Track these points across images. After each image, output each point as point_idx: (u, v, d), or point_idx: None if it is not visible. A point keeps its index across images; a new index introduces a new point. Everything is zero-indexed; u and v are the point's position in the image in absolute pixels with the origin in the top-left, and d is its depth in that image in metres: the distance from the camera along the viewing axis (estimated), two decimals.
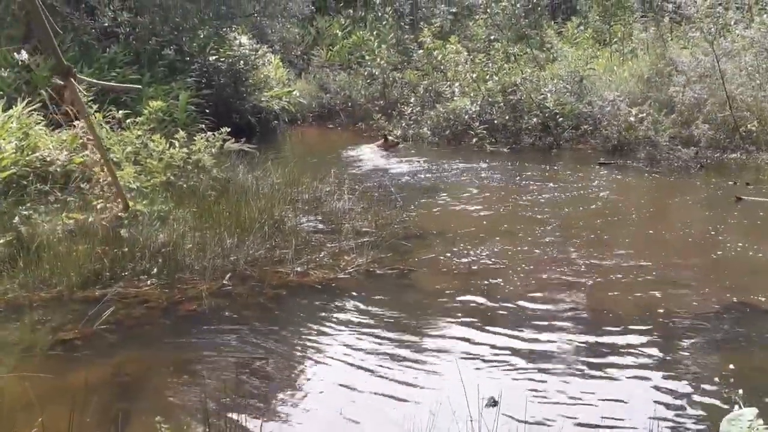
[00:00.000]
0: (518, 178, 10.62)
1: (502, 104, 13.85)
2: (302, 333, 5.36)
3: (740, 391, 3.95)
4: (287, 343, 5.18)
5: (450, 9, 21.52)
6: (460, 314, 5.60)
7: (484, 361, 4.84)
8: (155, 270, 6.21)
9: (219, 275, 6.21)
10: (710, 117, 11.95)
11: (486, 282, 6.24)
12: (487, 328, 5.33)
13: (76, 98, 6.93)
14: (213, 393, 4.44)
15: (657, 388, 4.46)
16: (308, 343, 5.20)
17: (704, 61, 12.47)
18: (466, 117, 13.95)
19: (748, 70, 12.41)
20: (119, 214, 7.16)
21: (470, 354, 4.93)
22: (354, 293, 6.04)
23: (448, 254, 6.95)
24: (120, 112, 9.56)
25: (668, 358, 4.83)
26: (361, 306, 5.81)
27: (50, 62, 10.26)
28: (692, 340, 5.10)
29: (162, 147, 8.72)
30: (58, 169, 8.07)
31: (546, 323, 5.41)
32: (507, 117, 13.64)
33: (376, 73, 17.88)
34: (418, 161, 12.25)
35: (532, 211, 8.64)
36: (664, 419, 4.05)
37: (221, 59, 14.72)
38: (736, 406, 3.90)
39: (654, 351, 4.93)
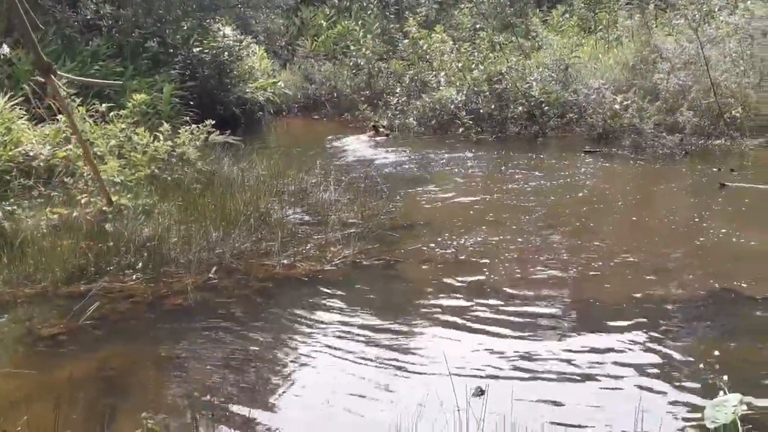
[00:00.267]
0: (504, 167, 10.63)
1: (487, 93, 13.83)
2: (289, 326, 5.36)
3: (725, 378, 3.97)
4: (274, 337, 5.18)
5: None
6: (446, 305, 5.61)
7: (471, 351, 4.85)
8: (140, 264, 6.19)
9: (205, 269, 6.20)
10: (695, 104, 11.98)
11: (472, 272, 6.25)
12: (474, 318, 5.35)
13: (57, 95, 6.88)
14: (199, 387, 4.43)
15: (642, 375, 4.49)
16: (295, 336, 5.19)
17: (688, 48, 12.49)
18: (452, 106, 13.93)
19: (732, 57, 12.44)
20: (104, 208, 7.12)
21: (457, 344, 4.95)
22: (340, 285, 6.03)
23: (435, 244, 6.95)
24: (103, 105, 9.50)
25: (653, 345, 4.85)
26: (348, 298, 5.81)
27: (31, 57, 10.17)
28: (677, 328, 5.14)
29: (146, 140, 8.68)
30: (42, 164, 8.03)
31: (532, 312, 5.43)
32: (493, 106, 13.63)
33: (362, 63, 17.82)
34: (404, 151, 12.23)
35: (518, 199, 8.65)
36: (650, 406, 4.08)
37: (205, 51, 14.63)
38: (721, 392, 3.93)
39: (639, 338, 4.95)
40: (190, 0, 14.38)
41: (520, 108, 13.36)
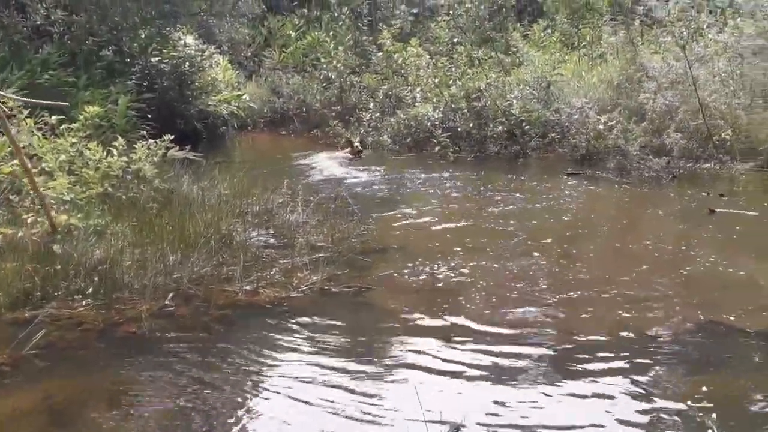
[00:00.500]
0: (483, 188, 10.74)
1: (465, 111, 13.99)
2: (250, 357, 5.33)
3: (714, 416, 4.01)
4: (234, 369, 5.14)
5: (411, 10, 21.72)
6: (420, 335, 5.63)
7: (446, 384, 4.86)
8: (91, 289, 6.13)
9: (161, 295, 6.17)
10: (682, 125, 12.16)
11: (448, 300, 6.29)
12: (449, 349, 5.37)
13: None
14: (153, 423, 4.39)
15: (626, 411, 4.52)
16: (257, 368, 5.17)
17: (676, 66, 12.72)
18: (428, 124, 14.07)
19: (721, 77, 12.68)
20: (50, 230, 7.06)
21: (431, 377, 4.96)
22: (307, 313, 6.03)
23: (408, 270, 6.99)
24: (53, 117, 9.43)
25: (637, 379, 4.89)
26: (315, 327, 5.81)
27: None
28: (662, 362, 5.18)
29: (99, 155, 8.62)
30: None
31: (509, 344, 5.46)
32: (471, 124, 13.78)
33: (333, 76, 17.95)
34: (378, 170, 12.31)
35: (497, 223, 8.73)
36: None
37: (164, 60, 14.65)
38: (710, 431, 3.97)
39: (622, 373, 4.99)
40: (149, 6, 14.39)
41: (500, 127, 13.52)
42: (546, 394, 4.72)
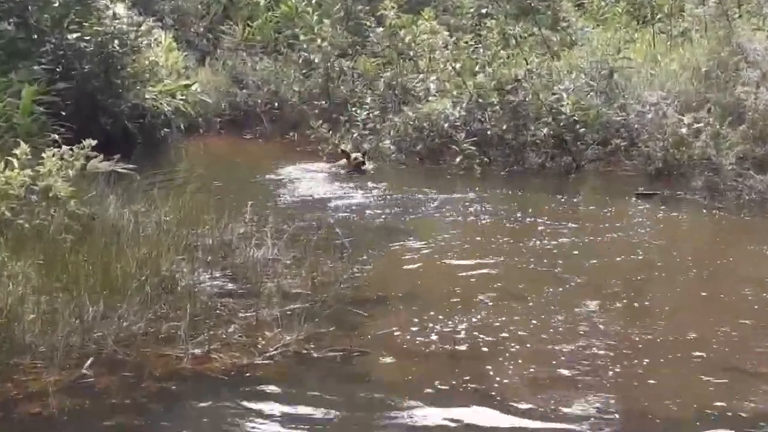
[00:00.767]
0: (521, 214, 10.77)
1: (498, 108, 14.01)
2: None
3: None
4: None
5: None
6: (430, 420, 5.59)
7: None
8: None
9: (76, 361, 6.14)
10: None
11: (470, 371, 6.24)
12: None
13: None
14: None
15: None
16: None
17: None
18: (447, 125, 14.10)
19: None
20: None
21: None
22: (277, 387, 6.01)
23: (417, 328, 6.97)
24: None
25: None
26: (288, 407, 5.77)
27: None
28: None
29: None
30: None
31: None
32: (505, 126, 13.80)
33: (316, 60, 17.97)
34: (376, 188, 12.38)
35: (539, 263, 8.73)
36: None
37: (86, 38, 14.67)
38: None
39: None
40: None
41: (545, 130, 13.54)
42: None
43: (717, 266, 8.99)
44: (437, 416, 5.65)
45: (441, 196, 11.76)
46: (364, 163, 13.76)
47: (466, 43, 15.70)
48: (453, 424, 5.53)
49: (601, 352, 6.57)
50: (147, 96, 15.51)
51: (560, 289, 7.95)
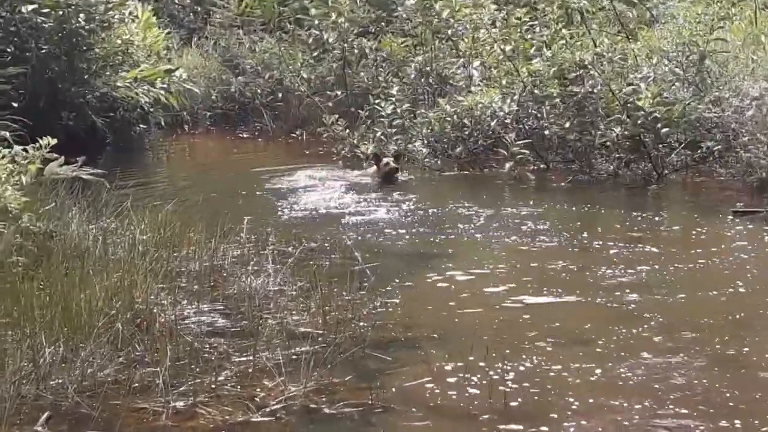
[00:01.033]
0: (587, 236, 10.75)
1: (558, 101, 14.01)
2: None
3: None
4: None
5: None
6: None
7: None
8: None
9: (28, 415, 6.17)
10: None
11: None
12: None
13: None
14: None
15: None
16: None
17: None
18: (494, 123, 14.11)
19: None
20: None
21: None
22: None
23: (454, 378, 6.96)
24: None
25: None
26: None
27: None
28: None
29: None
30: None
31: None
32: (567, 124, 13.80)
33: (330, 40, 18.02)
34: (405, 202, 12.42)
35: (609, 298, 8.71)
36: None
37: (44, 11, 14.73)
38: None
39: None
40: None
41: (618, 129, 13.51)
42: None
43: None
44: None
45: (486, 212, 11.77)
46: (398, 170, 13.77)
47: (519, 19, 15.68)
48: None
49: (684, 412, 6.51)
50: (119, 84, 15.58)
51: (634, 331, 7.89)
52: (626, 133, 13.51)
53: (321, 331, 7.67)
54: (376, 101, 15.82)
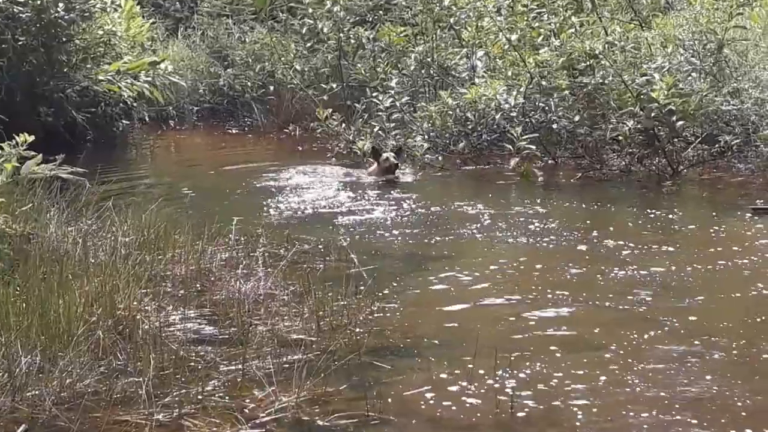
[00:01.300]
0: (596, 235, 10.76)
1: (567, 93, 13.99)
2: None
3: None
4: None
5: None
6: None
7: None
8: None
9: (3, 428, 6.13)
10: None
11: None
12: None
13: None
14: None
15: None
16: None
17: None
18: (499, 116, 14.10)
19: None
20: None
21: None
22: None
23: (456, 387, 6.93)
24: None
25: None
26: None
27: None
28: None
29: None
30: None
31: None
32: (577, 118, 13.78)
33: (325, 29, 18.02)
34: (405, 201, 12.40)
35: (621, 301, 8.70)
36: None
37: (20, 0, 14.71)
38: None
39: None
40: None
41: (631, 123, 13.49)
42: None
43: None
44: None
45: (490, 211, 11.77)
46: (398, 166, 13.76)
47: (525, 6, 15.67)
48: None
49: (696, 422, 6.47)
50: (101, 77, 15.59)
51: (647, 336, 7.87)
52: (639, 126, 13.51)
53: (314, 338, 7.67)
54: (374, 94, 15.86)
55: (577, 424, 6.44)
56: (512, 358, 7.32)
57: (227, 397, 6.67)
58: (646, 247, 10.30)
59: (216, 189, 13.07)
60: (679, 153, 13.34)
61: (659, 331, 7.96)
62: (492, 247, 10.44)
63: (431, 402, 6.73)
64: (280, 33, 19.18)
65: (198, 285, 8.66)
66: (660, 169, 13.25)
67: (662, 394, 6.86)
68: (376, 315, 8.31)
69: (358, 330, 7.89)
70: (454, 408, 6.66)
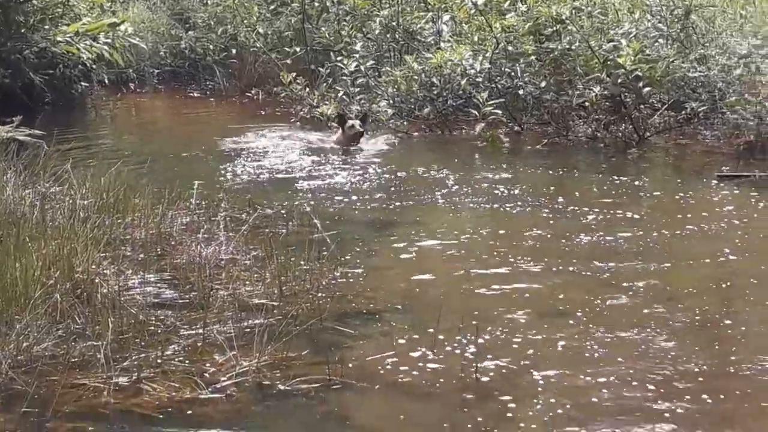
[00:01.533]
0: (564, 202, 10.87)
1: (533, 59, 14.02)
2: None
3: None
4: None
5: None
6: None
7: None
8: None
9: None
10: None
11: (488, 411, 6.25)
12: None
13: None
14: None
15: None
16: None
17: None
18: (464, 82, 14.12)
19: None
20: None
21: None
22: (230, 431, 6.02)
23: (418, 353, 6.99)
24: None
25: None
26: None
27: None
28: None
29: None
30: None
31: None
32: (543, 84, 13.83)
33: None
34: (370, 165, 12.44)
35: (587, 267, 8.80)
36: None
37: None
38: None
39: None
40: None
41: (597, 89, 13.55)
42: None
43: None
44: None
45: (455, 177, 11.85)
46: (361, 132, 13.76)
47: None
48: None
49: (664, 387, 6.55)
50: (59, 38, 15.51)
51: (613, 301, 7.98)
52: (606, 92, 13.59)
53: (276, 303, 7.72)
54: (338, 58, 15.89)
55: (539, 389, 6.50)
56: (476, 324, 7.36)
57: (187, 362, 6.71)
58: (611, 213, 10.39)
59: (177, 153, 13.06)
60: (646, 120, 13.43)
61: (623, 296, 8.08)
62: (457, 213, 10.52)
63: (394, 367, 6.79)
64: None
65: (158, 249, 8.67)
66: (626, 136, 13.34)
67: (623, 358, 6.94)
68: (338, 280, 8.36)
69: (320, 295, 7.92)
70: (416, 373, 6.73)
